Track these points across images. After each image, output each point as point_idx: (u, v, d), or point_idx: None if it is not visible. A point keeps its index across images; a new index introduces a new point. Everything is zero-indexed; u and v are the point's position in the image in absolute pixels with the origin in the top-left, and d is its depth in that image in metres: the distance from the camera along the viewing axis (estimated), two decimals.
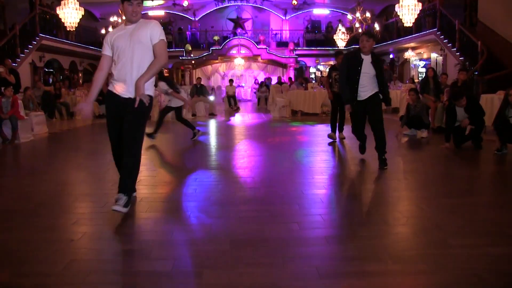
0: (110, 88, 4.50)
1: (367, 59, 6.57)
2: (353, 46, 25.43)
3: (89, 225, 4.15)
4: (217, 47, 27.67)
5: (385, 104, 6.86)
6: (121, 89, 4.40)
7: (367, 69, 6.56)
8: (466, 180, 6.07)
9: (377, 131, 6.64)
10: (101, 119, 15.42)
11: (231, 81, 22.71)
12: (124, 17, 13.70)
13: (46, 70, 22.91)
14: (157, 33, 4.40)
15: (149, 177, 6.18)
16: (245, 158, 7.83)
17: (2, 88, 10.05)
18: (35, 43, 18.61)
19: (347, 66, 6.72)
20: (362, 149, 7.28)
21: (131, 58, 4.36)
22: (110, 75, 4.53)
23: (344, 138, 9.46)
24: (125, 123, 4.36)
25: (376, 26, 22.52)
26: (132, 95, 4.34)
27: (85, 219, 4.34)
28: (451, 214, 4.38)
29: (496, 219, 4.21)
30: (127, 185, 4.37)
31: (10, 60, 13.92)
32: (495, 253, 3.41)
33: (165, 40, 4.50)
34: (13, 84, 11.96)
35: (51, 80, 22.12)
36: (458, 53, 17.69)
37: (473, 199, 4.99)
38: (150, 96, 4.41)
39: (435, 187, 5.60)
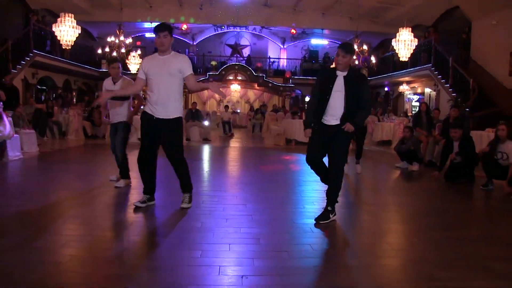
0: (145, 109, 5.52)
1: (341, 75, 5.37)
2: None
3: (77, 248, 4.11)
4: (214, 72, 27.82)
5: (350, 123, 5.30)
6: (155, 111, 5.39)
7: (339, 88, 5.34)
8: (454, 214, 6.09)
9: (332, 169, 5.43)
10: (93, 139, 15.43)
11: (226, 107, 22.82)
12: (121, 38, 13.90)
13: (39, 87, 22.86)
14: (186, 67, 5.42)
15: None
16: (237, 185, 7.84)
17: None
18: (28, 59, 18.44)
19: (319, 84, 5.53)
20: (326, 180, 5.72)
21: (164, 87, 5.36)
22: (146, 99, 5.59)
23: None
24: (167, 142, 5.52)
25: (373, 59, 22.78)
26: (164, 117, 5.39)
27: (74, 241, 4.30)
28: (438, 247, 4.43)
29: (481, 253, 4.28)
30: (188, 185, 5.73)
31: (10, 76, 13.98)
32: (479, 286, 3.48)
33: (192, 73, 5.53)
34: (4, 101, 11.91)
35: (43, 98, 22.07)
36: (451, 89, 17.94)
37: (460, 233, 5.02)
38: (181, 118, 5.58)
39: (424, 220, 5.64)
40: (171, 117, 5.41)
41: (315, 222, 5.19)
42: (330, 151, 5.40)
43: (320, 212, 5.33)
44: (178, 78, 5.41)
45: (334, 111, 5.34)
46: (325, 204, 5.44)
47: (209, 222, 5.15)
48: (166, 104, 5.37)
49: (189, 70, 5.43)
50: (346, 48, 5.38)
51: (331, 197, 5.37)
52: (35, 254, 3.86)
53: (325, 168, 5.59)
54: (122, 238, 4.51)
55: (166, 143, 5.54)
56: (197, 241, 4.39)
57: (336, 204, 5.46)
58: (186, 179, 5.71)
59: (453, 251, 4.30)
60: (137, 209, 5.47)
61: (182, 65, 5.39)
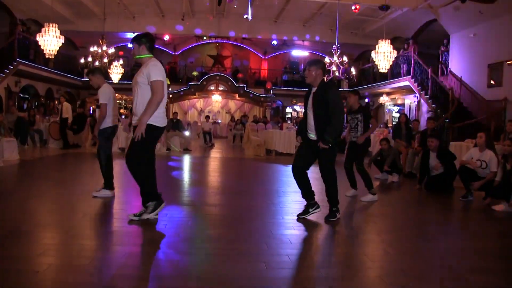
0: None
1: (313, 91, 5.80)
2: None
3: (56, 257, 4.10)
4: (195, 83, 27.85)
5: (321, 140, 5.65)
6: (133, 119, 5.36)
7: (310, 103, 5.78)
8: (432, 226, 6.18)
9: (324, 181, 5.95)
10: (74, 148, 15.33)
11: (207, 117, 22.83)
12: (104, 48, 13.86)
13: (22, 95, 22.73)
14: (151, 73, 5.17)
15: (120, 210, 6.17)
16: (216, 195, 7.85)
17: None
18: (12, 67, 18.49)
19: (303, 101, 6.01)
20: (305, 196, 6.08)
21: (134, 95, 5.34)
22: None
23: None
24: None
25: (353, 70, 22.95)
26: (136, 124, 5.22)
27: (52, 250, 4.28)
28: (415, 258, 4.48)
29: (457, 264, 4.33)
30: (147, 195, 5.44)
31: None
32: None
33: (160, 79, 5.20)
34: None
35: (25, 106, 21.95)
36: (431, 101, 18.18)
37: (437, 244, 5.08)
38: (153, 126, 5.22)
39: (402, 232, 5.70)
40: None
41: (324, 220, 5.81)
42: (319, 167, 5.93)
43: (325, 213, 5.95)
44: (146, 86, 5.25)
45: (311, 126, 5.82)
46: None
47: (187, 232, 5.17)
48: (139, 113, 5.25)
49: (153, 76, 5.18)
50: (309, 62, 5.87)
51: (330, 199, 5.93)
52: (12, 263, 3.83)
53: (306, 184, 6.00)
54: (100, 247, 4.50)
55: (129, 150, 5.45)
56: (174, 251, 4.39)
57: (313, 214, 5.94)
58: (144, 189, 5.47)
59: (430, 263, 4.35)
60: (131, 222, 5.33)
61: (148, 71, 5.21)
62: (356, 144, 7.55)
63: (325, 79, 5.86)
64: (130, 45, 5.51)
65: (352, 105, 7.69)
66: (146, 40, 5.40)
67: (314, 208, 6.00)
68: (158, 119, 5.28)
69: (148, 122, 5.16)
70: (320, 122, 5.66)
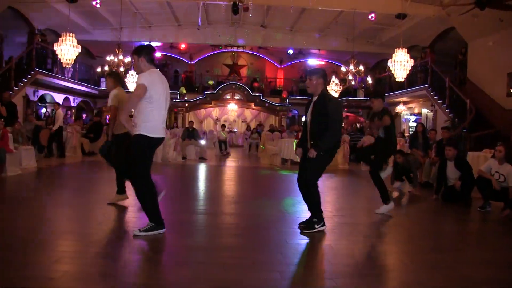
0: None
1: (314, 100, 5.75)
2: (345, 98, 25.86)
3: (70, 264, 4.11)
4: (211, 92, 27.96)
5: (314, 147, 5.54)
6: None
7: (310, 112, 5.74)
8: (449, 236, 6.10)
9: (308, 191, 5.75)
10: (90, 157, 15.42)
11: (223, 126, 22.87)
12: (120, 57, 13.89)
13: (39, 104, 23.00)
14: (137, 79, 5.10)
15: (135, 218, 6.17)
16: (231, 204, 7.83)
17: None
18: (30, 77, 18.76)
19: (304, 111, 5.96)
20: (310, 210, 5.91)
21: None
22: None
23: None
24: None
25: (369, 79, 22.88)
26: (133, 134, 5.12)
27: (67, 257, 4.29)
28: (432, 270, 4.41)
29: (474, 276, 4.27)
30: (150, 215, 5.16)
31: (9, 93, 14.14)
32: None
33: (143, 83, 5.01)
34: (5, 116, 12.01)
35: (43, 115, 22.19)
36: (448, 110, 18.00)
37: (454, 256, 5.00)
38: (142, 136, 5.04)
39: (419, 242, 5.63)
40: (135, 133, 5.11)
41: (299, 228, 5.65)
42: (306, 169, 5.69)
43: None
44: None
45: (311, 134, 5.69)
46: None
47: (202, 241, 5.15)
48: (135, 122, 5.13)
49: (138, 80, 5.09)
50: (309, 71, 5.93)
51: (311, 209, 5.76)
52: (26, 269, 3.85)
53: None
54: (115, 255, 4.51)
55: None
56: (190, 260, 4.38)
57: (323, 226, 5.73)
58: (146, 207, 5.21)
59: (446, 274, 4.29)
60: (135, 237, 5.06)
61: (137, 79, 5.13)
62: (381, 140, 7.13)
63: (336, 90, 5.82)
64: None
65: (377, 110, 7.20)
66: (146, 52, 5.26)
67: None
68: (154, 130, 5.11)
69: (142, 133, 5.04)
70: (317, 131, 5.59)
